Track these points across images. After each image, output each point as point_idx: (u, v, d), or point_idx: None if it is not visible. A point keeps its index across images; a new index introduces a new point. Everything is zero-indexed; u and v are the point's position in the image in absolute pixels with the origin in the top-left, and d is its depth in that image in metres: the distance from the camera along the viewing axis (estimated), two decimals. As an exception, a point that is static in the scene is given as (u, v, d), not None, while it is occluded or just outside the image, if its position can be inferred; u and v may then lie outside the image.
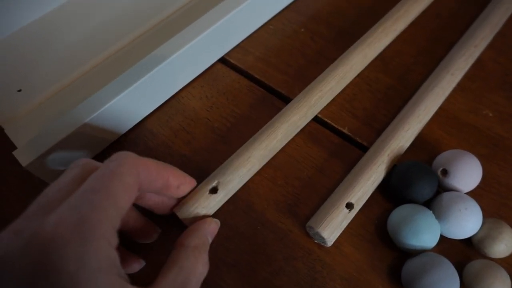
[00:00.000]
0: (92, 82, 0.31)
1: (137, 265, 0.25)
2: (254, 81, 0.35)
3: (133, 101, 0.30)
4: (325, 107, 0.33)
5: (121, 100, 0.29)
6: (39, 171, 0.27)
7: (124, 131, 0.32)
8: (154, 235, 0.26)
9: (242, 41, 0.37)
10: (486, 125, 0.32)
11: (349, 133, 0.32)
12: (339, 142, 0.31)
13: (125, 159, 0.19)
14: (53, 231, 0.15)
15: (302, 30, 0.38)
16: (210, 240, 0.24)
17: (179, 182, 0.23)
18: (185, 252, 0.21)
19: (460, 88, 0.34)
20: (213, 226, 0.24)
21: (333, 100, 0.33)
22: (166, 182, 0.22)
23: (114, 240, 0.17)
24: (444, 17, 0.40)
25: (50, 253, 0.15)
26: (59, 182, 0.19)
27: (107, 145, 0.31)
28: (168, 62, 0.30)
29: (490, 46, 0.37)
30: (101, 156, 0.31)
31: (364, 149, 0.31)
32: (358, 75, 0.35)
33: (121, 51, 0.33)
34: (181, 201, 0.26)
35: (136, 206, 0.25)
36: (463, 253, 0.27)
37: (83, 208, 0.16)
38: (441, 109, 0.32)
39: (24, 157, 0.26)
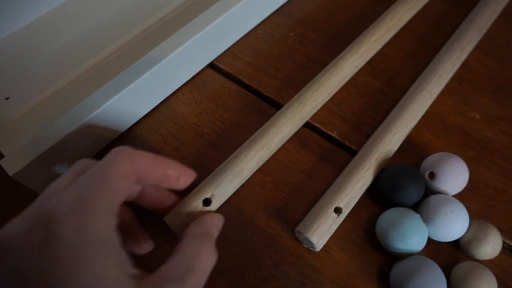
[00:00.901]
0: (78, 90, 0.31)
1: (146, 246, 0.25)
2: (243, 86, 0.35)
3: (122, 108, 0.30)
4: (314, 111, 0.33)
5: (109, 108, 0.29)
6: (27, 180, 0.27)
7: (113, 138, 0.31)
8: (144, 245, 0.25)
9: (231, 46, 0.38)
10: (473, 127, 0.33)
11: (338, 137, 0.32)
12: (328, 146, 0.31)
13: (121, 151, 0.20)
14: (54, 209, 0.17)
15: (291, 34, 0.39)
16: (215, 232, 0.24)
17: (178, 172, 0.24)
18: (188, 239, 0.21)
19: (447, 90, 0.34)
20: (216, 219, 0.24)
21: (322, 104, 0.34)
22: (165, 173, 0.23)
23: (112, 219, 0.18)
24: (432, 20, 0.40)
25: (51, 227, 0.17)
26: (61, 176, 0.21)
27: (95, 153, 0.31)
28: (157, 68, 0.30)
29: (477, 48, 0.37)
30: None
31: (353, 152, 0.31)
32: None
33: (109, 58, 0.33)
34: (173, 210, 0.25)
35: (139, 208, 0.25)
36: (450, 255, 0.27)
37: (81, 190, 0.18)
38: (428, 112, 0.33)
39: (11, 166, 0.25)
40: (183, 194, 0.26)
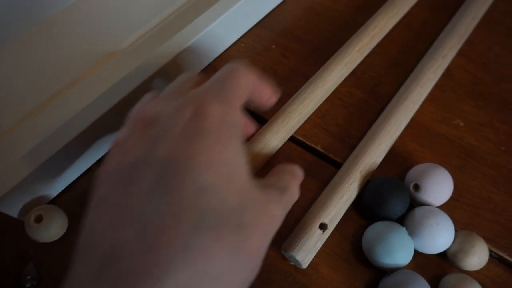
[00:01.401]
0: (69, 105, 0.30)
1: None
2: (227, 101, 0.35)
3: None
4: (298, 124, 0.33)
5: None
6: (7, 208, 0.26)
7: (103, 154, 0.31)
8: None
9: (214, 61, 0.37)
10: (457, 135, 0.33)
11: (322, 150, 0.32)
12: (313, 160, 0.31)
13: (243, 65, 0.22)
14: (203, 93, 0.19)
15: (273, 46, 0.39)
16: (300, 177, 0.25)
17: (271, 93, 0.25)
18: (283, 172, 0.23)
19: (431, 98, 0.34)
20: (300, 171, 0.25)
21: (308, 117, 0.33)
22: (264, 90, 0.24)
23: (242, 116, 0.21)
24: (414, 27, 0.40)
25: (200, 106, 0.19)
26: (176, 82, 0.23)
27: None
28: (139, 88, 0.30)
29: (459, 54, 0.37)
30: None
31: (337, 165, 0.31)
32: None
33: (95, 74, 0.33)
34: None
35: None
36: (438, 266, 0.27)
37: (220, 85, 0.20)
38: (412, 121, 0.33)
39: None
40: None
